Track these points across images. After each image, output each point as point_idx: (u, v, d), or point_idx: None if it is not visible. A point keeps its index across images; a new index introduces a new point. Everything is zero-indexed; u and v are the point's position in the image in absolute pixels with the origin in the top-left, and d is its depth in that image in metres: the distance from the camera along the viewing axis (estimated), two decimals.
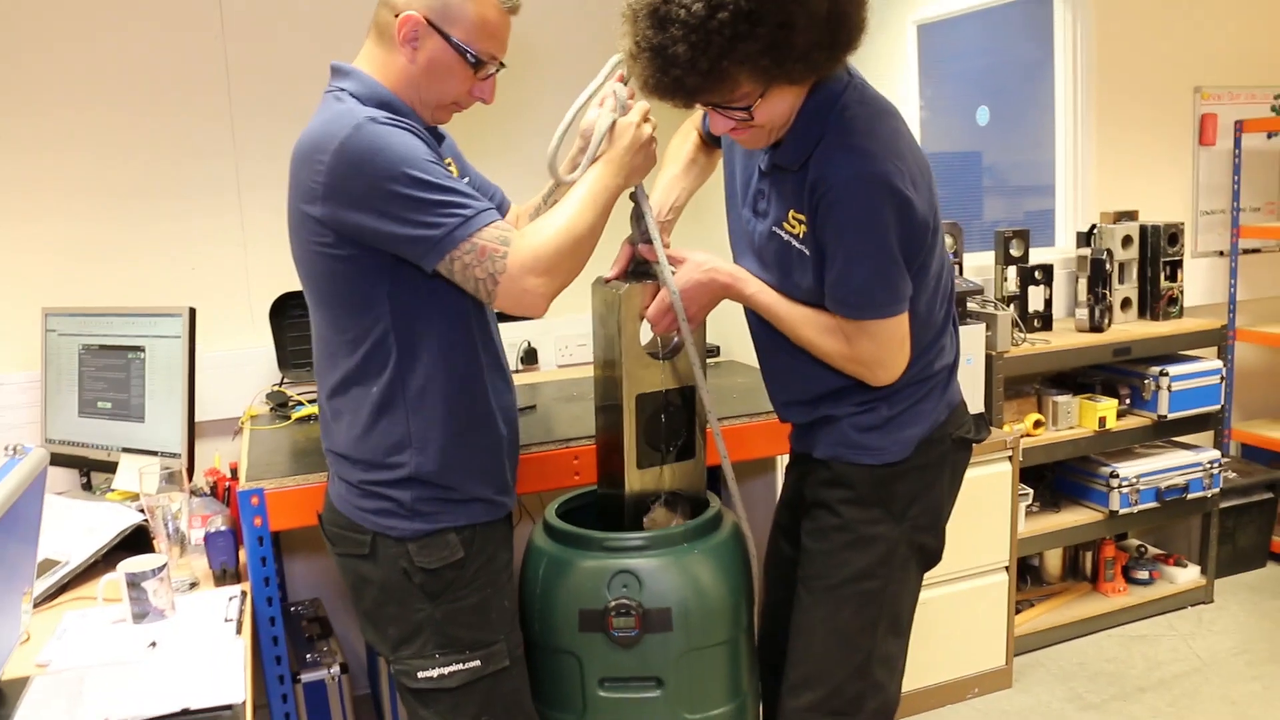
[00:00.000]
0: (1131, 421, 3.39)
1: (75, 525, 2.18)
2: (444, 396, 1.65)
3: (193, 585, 2.02)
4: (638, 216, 1.83)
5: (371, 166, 1.49)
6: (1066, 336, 3.38)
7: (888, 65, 3.80)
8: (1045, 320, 3.45)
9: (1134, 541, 3.78)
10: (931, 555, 1.87)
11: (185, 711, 1.50)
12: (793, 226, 1.69)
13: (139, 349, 2.45)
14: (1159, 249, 3.54)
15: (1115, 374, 3.46)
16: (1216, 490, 3.47)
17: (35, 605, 1.93)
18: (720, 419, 2.34)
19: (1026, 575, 3.58)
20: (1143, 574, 3.57)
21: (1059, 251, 3.76)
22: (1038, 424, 3.25)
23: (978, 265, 3.52)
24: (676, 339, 1.90)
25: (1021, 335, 3.31)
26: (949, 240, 3.22)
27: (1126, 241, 3.53)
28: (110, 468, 2.50)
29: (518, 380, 2.71)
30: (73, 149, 2.70)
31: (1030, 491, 3.32)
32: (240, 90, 2.82)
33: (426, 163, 1.52)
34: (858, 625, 1.79)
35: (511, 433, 1.80)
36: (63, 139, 2.69)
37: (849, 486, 1.80)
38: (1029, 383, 3.38)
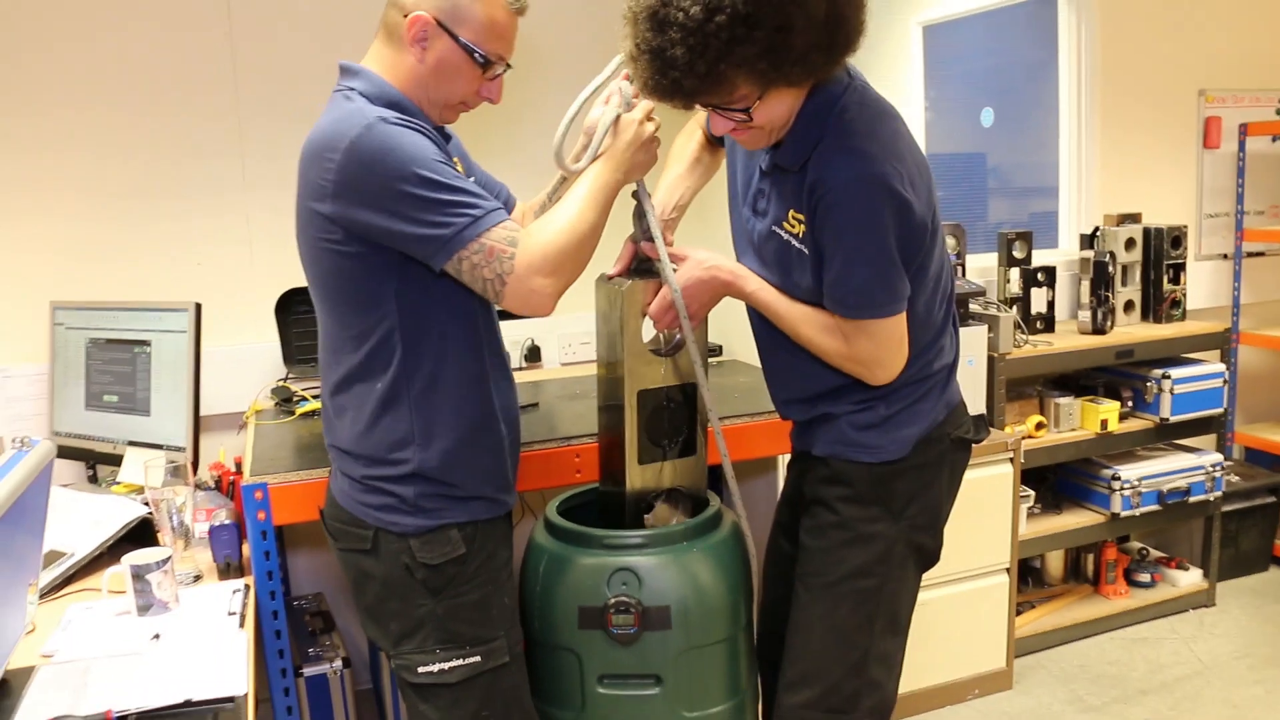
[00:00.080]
0: (1134, 424, 3.39)
1: (81, 517, 2.19)
2: (448, 394, 1.66)
3: (196, 578, 2.03)
4: (640, 214, 1.85)
5: (382, 166, 1.50)
6: (1069, 338, 3.39)
7: (892, 66, 3.81)
8: (1048, 322, 3.46)
9: (1136, 544, 3.78)
10: (929, 555, 1.87)
11: (188, 703, 1.51)
12: (792, 226, 1.70)
13: (145, 343, 2.47)
14: (1162, 252, 3.54)
15: (1118, 376, 3.46)
16: (1219, 493, 3.47)
17: (41, 596, 1.95)
18: (722, 418, 2.35)
19: (1028, 577, 3.58)
20: (1144, 577, 3.57)
21: (1062, 253, 3.77)
22: (1039, 426, 3.26)
23: (981, 267, 3.52)
24: (679, 336, 1.91)
25: (1023, 337, 3.32)
26: (952, 241, 3.23)
27: (1130, 244, 3.53)
28: (116, 461, 2.52)
29: (521, 378, 2.73)
30: (82, 148, 2.72)
31: (1032, 493, 3.32)
32: (247, 89, 2.84)
33: (436, 163, 1.53)
34: (855, 623, 1.80)
35: (513, 431, 1.81)
36: (72, 138, 2.71)
37: (847, 484, 1.80)
38: (1031, 384, 3.38)
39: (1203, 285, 3.91)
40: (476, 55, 1.62)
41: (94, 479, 2.62)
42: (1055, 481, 3.49)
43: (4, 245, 2.69)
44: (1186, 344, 3.46)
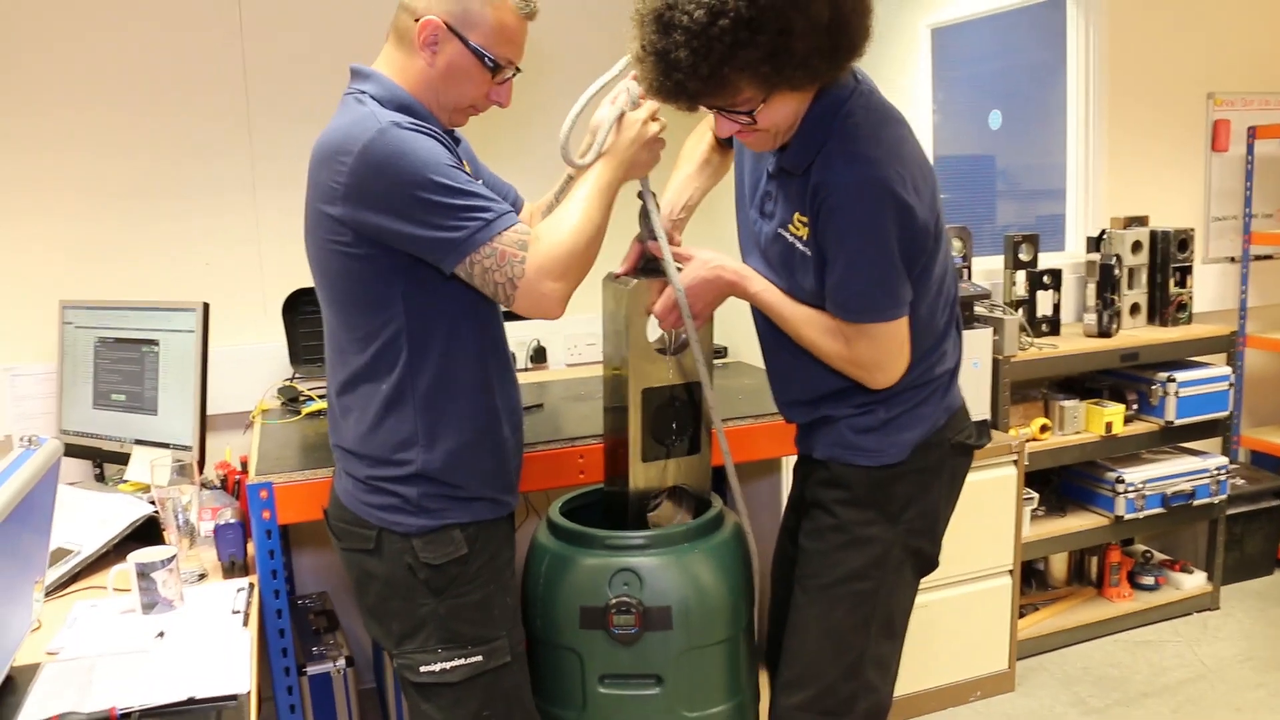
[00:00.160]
0: (1139, 427, 3.39)
1: (87, 516, 2.21)
2: (453, 395, 1.67)
3: (201, 577, 2.04)
4: (645, 214, 1.86)
5: (395, 170, 1.51)
6: (1074, 341, 3.38)
7: (901, 68, 3.81)
8: (1053, 325, 3.46)
9: (1140, 547, 3.78)
10: (927, 560, 1.88)
11: (191, 700, 1.52)
12: (797, 229, 1.71)
13: (153, 342, 2.48)
14: (1169, 255, 3.54)
15: (1123, 379, 3.46)
16: (1224, 497, 3.47)
17: (47, 594, 1.96)
18: (726, 420, 2.36)
19: (1032, 579, 3.58)
20: (1148, 579, 3.57)
21: (1069, 256, 3.76)
22: (1044, 428, 3.26)
23: (988, 269, 3.52)
24: (684, 335, 1.92)
25: (1029, 339, 3.32)
26: (958, 244, 3.23)
27: (1136, 247, 3.53)
28: (123, 459, 2.53)
29: (526, 379, 2.74)
30: (91, 148, 2.74)
31: (1036, 496, 3.32)
32: (255, 90, 2.85)
33: (448, 168, 1.54)
34: (850, 625, 1.81)
35: (517, 432, 1.82)
36: (81, 138, 2.72)
37: (845, 487, 1.81)
38: (1036, 387, 3.38)
39: (1210, 288, 3.91)
40: (486, 59, 1.64)
41: (101, 477, 2.64)
42: (1059, 484, 3.49)
43: (14, 245, 2.71)
44: (1192, 347, 3.46)
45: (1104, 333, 3.42)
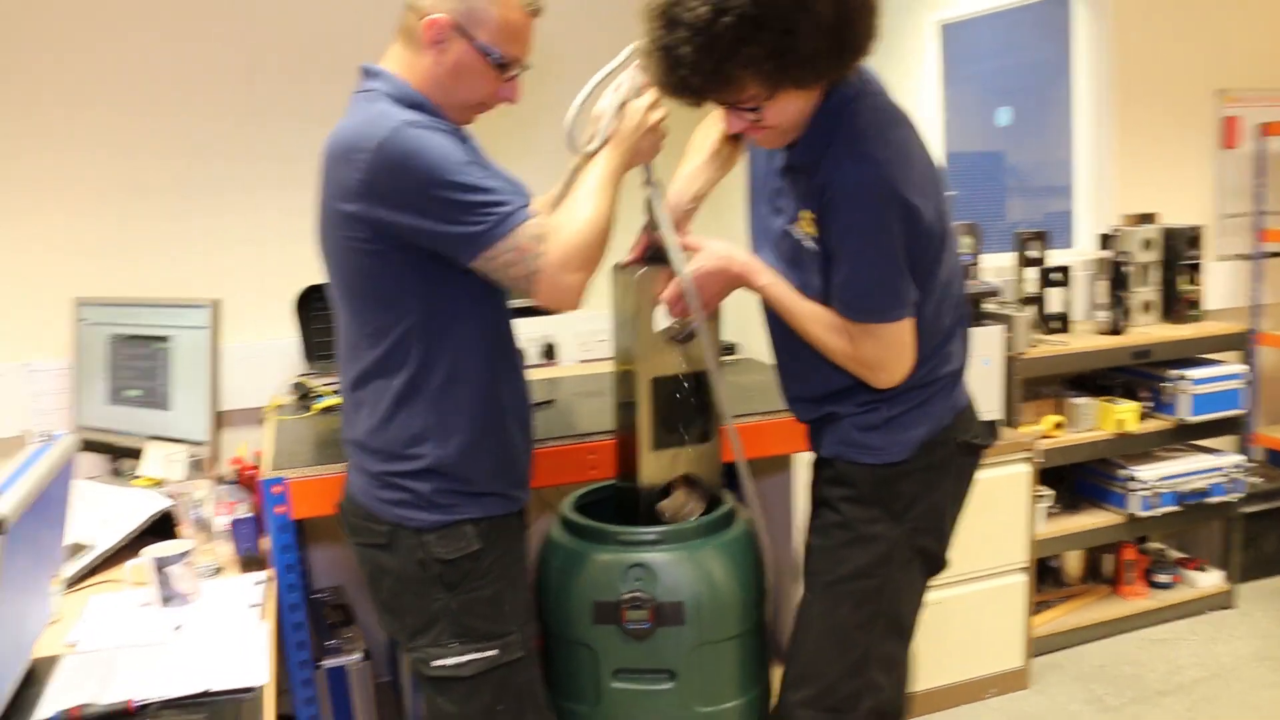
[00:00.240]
0: (1152, 425, 3.37)
1: (103, 510, 2.22)
2: (465, 391, 1.68)
3: (217, 571, 2.06)
4: (650, 204, 1.86)
5: (411, 167, 1.52)
6: (1085, 338, 3.37)
7: (910, 64, 3.80)
8: (1064, 322, 3.45)
9: (1155, 545, 3.76)
10: (934, 560, 1.87)
11: (208, 693, 1.53)
12: (805, 226, 1.71)
13: (166, 339, 2.50)
14: (1179, 252, 3.52)
15: (1135, 377, 3.45)
16: (1239, 495, 3.45)
17: (66, 588, 1.98)
18: (736, 416, 2.36)
19: (1046, 577, 3.57)
20: (1164, 577, 3.55)
21: (1078, 253, 3.75)
22: (1057, 426, 3.25)
23: (998, 266, 3.52)
24: (692, 325, 1.93)
25: (1039, 337, 3.31)
26: (967, 241, 3.22)
27: (1147, 244, 3.52)
28: (138, 455, 2.55)
29: (537, 375, 2.74)
30: (105, 148, 2.75)
31: (1050, 493, 3.32)
32: (266, 90, 2.87)
33: (464, 164, 1.55)
34: (854, 623, 1.81)
35: (527, 428, 1.83)
36: (95, 138, 2.74)
37: (850, 485, 1.81)
38: (1048, 384, 3.37)
39: (1222, 285, 3.89)
40: (493, 57, 1.64)
41: (117, 472, 2.66)
42: (1073, 481, 3.48)
43: (29, 242, 2.73)
44: (1205, 344, 3.44)
45: (1115, 330, 3.41)
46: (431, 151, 1.53)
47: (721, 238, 1.87)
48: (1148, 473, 3.30)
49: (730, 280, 1.83)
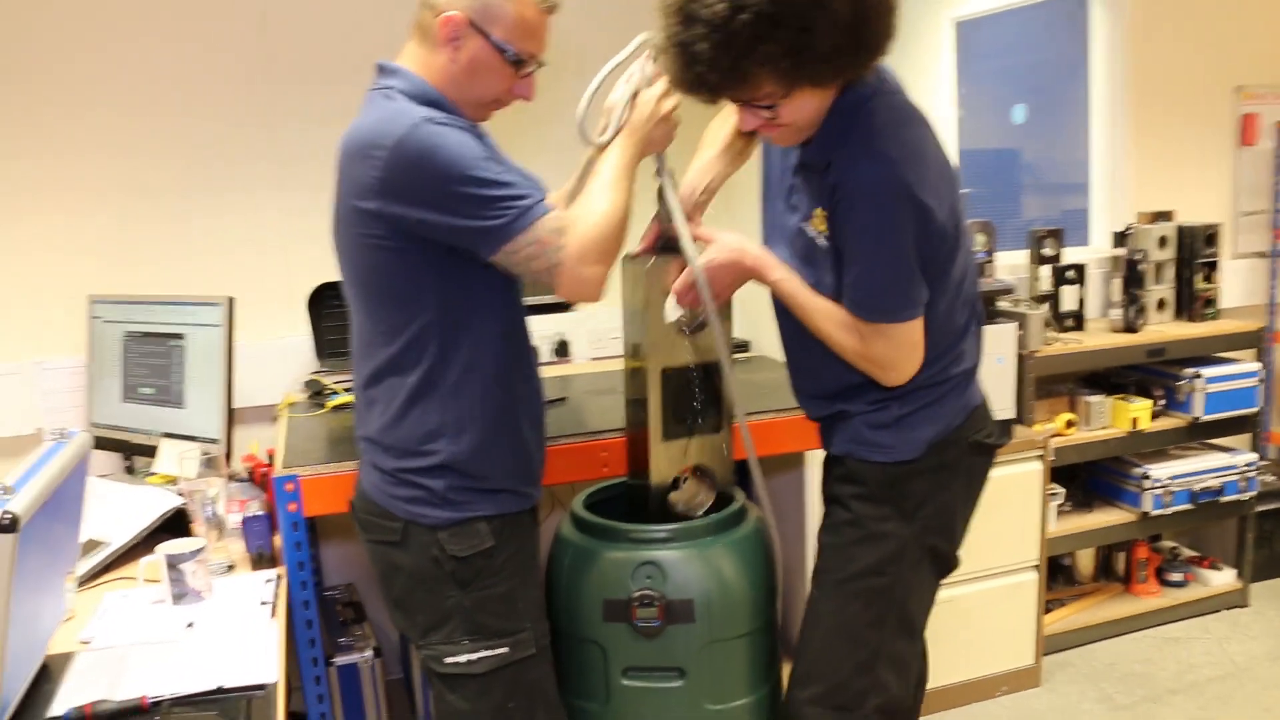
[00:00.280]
0: (1166, 423, 3.36)
1: (117, 508, 2.23)
2: (479, 388, 1.69)
3: (230, 568, 2.06)
4: (662, 194, 1.86)
5: (430, 164, 1.53)
6: (1100, 337, 3.36)
7: (924, 62, 3.79)
8: (1078, 320, 3.43)
9: (1168, 543, 3.75)
10: (944, 560, 1.87)
11: (220, 690, 1.54)
12: (818, 224, 1.71)
13: (180, 336, 2.51)
14: (1195, 250, 3.50)
15: (1149, 375, 3.43)
16: (1253, 493, 3.43)
17: (79, 585, 1.99)
18: (748, 414, 2.36)
19: (1059, 575, 3.56)
20: (1176, 576, 3.54)
21: (1093, 251, 3.73)
22: (1070, 424, 3.24)
23: (1013, 264, 3.50)
24: (702, 316, 1.92)
25: (1054, 335, 3.30)
26: (981, 239, 3.21)
27: (1162, 242, 3.50)
28: (152, 452, 2.56)
29: (550, 372, 2.74)
30: (119, 148, 2.77)
31: (1062, 491, 3.30)
32: (279, 90, 2.87)
33: (482, 160, 1.56)
34: (864, 621, 1.80)
35: (539, 425, 1.83)
36: (109, 139, 2.75)
37: (860, 483, 1.81)
38: (1061, 382, 3.36)
39: (1239, 283, 3.86)
40: (508, 54, 1.64)
41: (130, 470, 2.67)
42: (1086, 479, 3.46)
43: (44, 241, 2.74)
44: (1220, 343, 3.42)
45: (1130, 328, 3.39)
46: (450, 148, 1.54)
47: (734, 232, 1.87)
48: (1161, 471, 3.29)
49: (743, 273, 1.82)
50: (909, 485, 1.79)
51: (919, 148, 1.64)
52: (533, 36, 1.67)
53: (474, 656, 1.72)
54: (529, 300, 1.80)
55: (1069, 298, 3.41)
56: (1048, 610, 3.23)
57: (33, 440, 2.72)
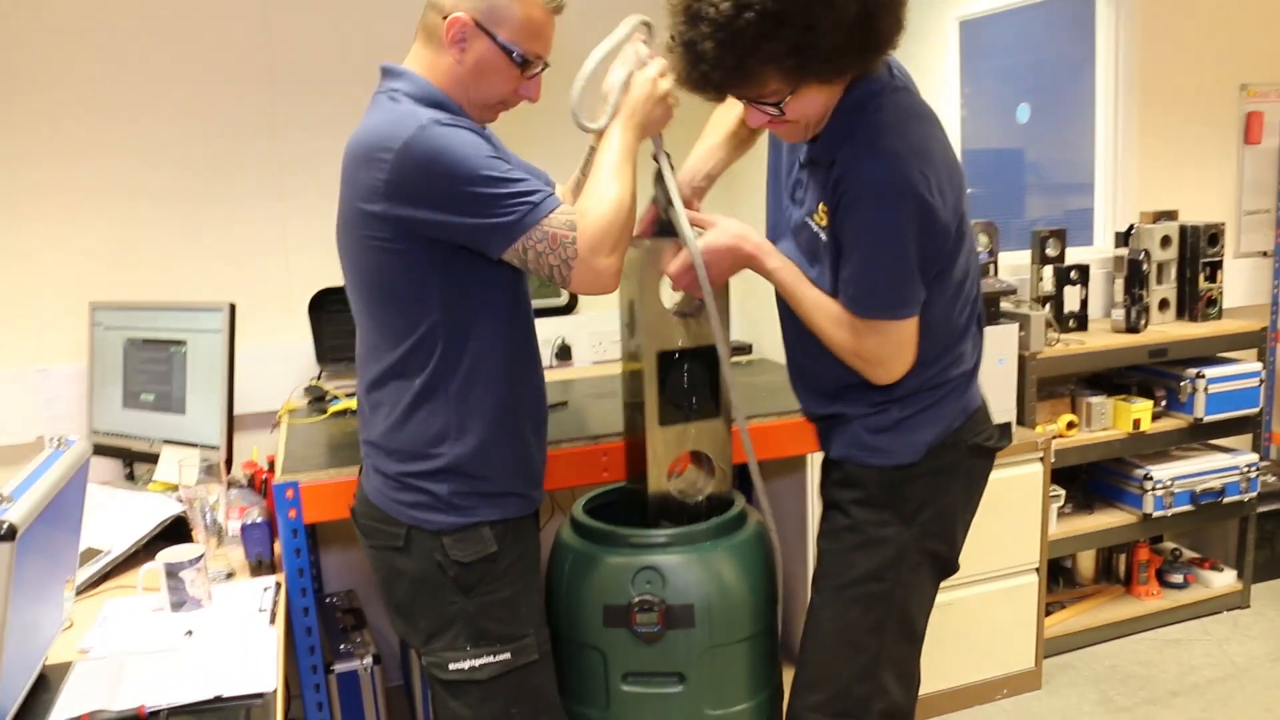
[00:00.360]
0: (1167, 424, 3.35)
1: (117, 515, 2.23)
2: (484, 391, 1.68)
3: (229, 575, 2.06)
4: (660, 176, 1.85)
5: (439, 166, 1.53)
6: (1102, 337, 3.36)
7: (929, 61, 3.78)
8: (1080, 320, 3.43)
9: (1169, 545, 3.74)
10: (944, 563, 1.86)
11: (218, 699, 1.54)
12: (821, 219, 1.71)
13: (181, 343, 2.51)
14: (1198, 250, 3.50)
15: (1151, 375, 3.43)
16: (1254, 494, 3.43)
17: (78, 593, 1.99)
18: (749, 417, 2.36)
19: (1059, 577, 3.55)
20: (1177, 577, 3.54)
21: (1097, 251, 3.73)
22: (1071, 425, 3.23)
23: (1015, 264, 3.50)
24: (698, 300, 1.92)
25: (1056, 335, 3.29)
26: (984, 239, 3.21)
27: (1165, 242, 3.49)
28: (153, 459, 2.56)
29: (551, 376, 2.73)
30: (120, 154, 2.77)
31: (1062, 493, 3.30)
32: (282, 96, 2.87)
33: (490, 159, 1.55)
34: (865, 626, 1.80)
35: (542, 427, 1.83)
36: (111, 145, 2.75)
37: (859, 487, 1.81)
38: (1063, 383, 3.35)
39: (1242, 283, 3.86)
40: (515, 55, 1.64)
41: (131, 477, 2.67)
42: (1087, 481, 3.46)
43: (45, 247, 2.74)
44: (1222, 343, 3.42)
45: (1132, 328, 3.39)
46: (458, 148, 1.54)
47: (734, 219, 1.86)
48: (1162, 472, 3.28)
49: (740, 259, 1.81)
50: (908, 489, 1.79)
51: (925, 145, 1.63)
52: (539, 37, 1.67)
53: (477, 663, 1.72)
54: (534, 304, 1.80)
55: (1071, 298, 3.41)
56: (1048, 612, 3.22)
57: (34, 448, 2.72)
